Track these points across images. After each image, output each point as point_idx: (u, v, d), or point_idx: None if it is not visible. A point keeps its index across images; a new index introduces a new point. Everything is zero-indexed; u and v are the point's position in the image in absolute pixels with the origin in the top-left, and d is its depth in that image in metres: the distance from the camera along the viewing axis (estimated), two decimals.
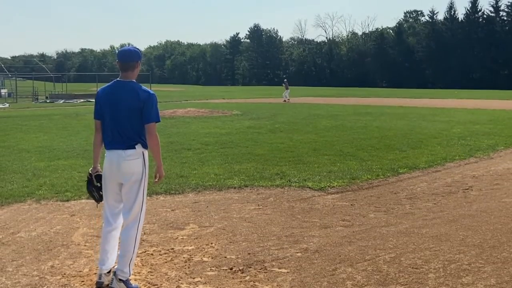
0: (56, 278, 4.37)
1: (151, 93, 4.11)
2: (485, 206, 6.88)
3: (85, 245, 5.29)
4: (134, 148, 4.08)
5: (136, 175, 4.11)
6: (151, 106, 4.07)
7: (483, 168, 9.76)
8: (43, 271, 4.54)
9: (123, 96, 4.07)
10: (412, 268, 4.59)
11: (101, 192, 4.26)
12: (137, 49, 4.29)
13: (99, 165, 4.34)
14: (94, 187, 4.28)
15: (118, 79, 4.18)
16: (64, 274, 4.48)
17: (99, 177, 4.25)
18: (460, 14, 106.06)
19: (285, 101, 38.01)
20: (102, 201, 4.28)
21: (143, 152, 4.14)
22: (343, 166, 9.62)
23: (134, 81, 4.18)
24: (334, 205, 6.95)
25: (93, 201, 4.42)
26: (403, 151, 11.60)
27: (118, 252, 4.21)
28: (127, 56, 4.16)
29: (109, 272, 4.19)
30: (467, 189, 7.94)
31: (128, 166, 4.07)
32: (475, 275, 4.42)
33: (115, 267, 4.17)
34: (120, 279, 4.08)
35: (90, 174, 4.30)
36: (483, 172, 9.35)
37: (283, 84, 41.90)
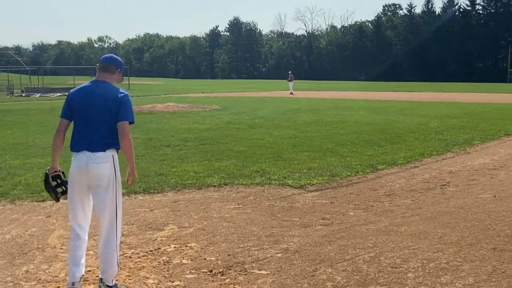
0: (31, 284, 4.27)
1: (126, 94, 4.07)
2: (462, 202, 6.96)
3: (61, 248, 5.18)
4: (104, 151, 3.96)
5: (106, 179, 3.96)
6: (128, 106, 4.01)
7: (460, 163, 9.88)
8: (17, 277, 4.43)
9: (99, 95, 3.98)
10: (392, 267, 4.61)
11: (59, 191, 4.18)
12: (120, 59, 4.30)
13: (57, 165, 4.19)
14: (51, 187, 4.17)
15: (94, 79, 4.12)
16: (40, 279, 4.38)
17: (56, 177, 4.16)
18: (438, 7, 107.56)
19: (291, 93, 39.79)
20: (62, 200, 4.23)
21: (113, 155, 4.02)
22: (322, 163, 9.64)
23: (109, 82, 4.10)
24: (314, 203, 6.95)
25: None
26: (381, 147, 11.68)
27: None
28: (108, 59, 4.18)
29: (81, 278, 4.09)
30: (445, 185, 8.02)
31: (97, 169, 3.93)
32: (453, 274, 4.46)
33: (102, 276, 4.09)
34: (108, 286, 4.03)
35: (47, 174, 4.16)
36: (460, 167, 9.46)
37: (289, 77, 43.47)
